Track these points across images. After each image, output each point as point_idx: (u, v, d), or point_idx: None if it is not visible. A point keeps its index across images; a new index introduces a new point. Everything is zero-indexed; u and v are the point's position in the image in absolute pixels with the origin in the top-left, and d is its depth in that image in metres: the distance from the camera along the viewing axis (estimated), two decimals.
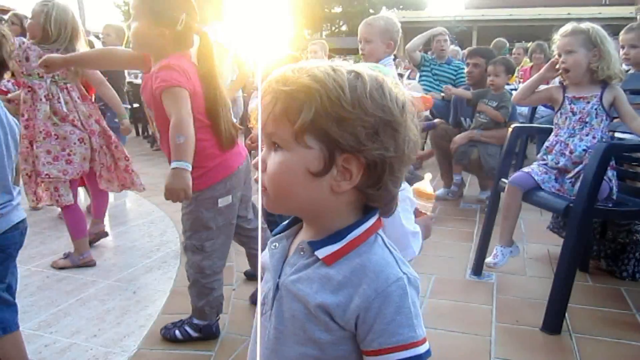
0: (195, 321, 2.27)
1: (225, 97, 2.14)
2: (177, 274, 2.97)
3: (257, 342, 0.85)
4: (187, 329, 2.26)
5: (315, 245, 0.82)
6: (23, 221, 1.81)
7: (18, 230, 1.77)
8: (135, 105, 8.21)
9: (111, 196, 4.87)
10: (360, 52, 2.86)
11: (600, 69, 2.51)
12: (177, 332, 2.27)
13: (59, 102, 3.01)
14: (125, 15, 29.08)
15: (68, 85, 3.07)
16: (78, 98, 3.11)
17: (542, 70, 2.80)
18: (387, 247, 0.83)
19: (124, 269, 3.10)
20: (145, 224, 3.98)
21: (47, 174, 2.98)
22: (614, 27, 2.80)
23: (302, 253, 0.84)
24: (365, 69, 0.81)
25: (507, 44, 7.26)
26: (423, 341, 0.81)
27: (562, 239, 3.01)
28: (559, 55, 2.59)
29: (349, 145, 0.77)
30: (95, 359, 2.15)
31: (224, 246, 2.27)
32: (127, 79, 8.98)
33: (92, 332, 2.35)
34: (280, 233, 0.92)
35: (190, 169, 1.93)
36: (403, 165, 0.82)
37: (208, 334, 2.27)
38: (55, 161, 3.00)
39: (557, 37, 2.60)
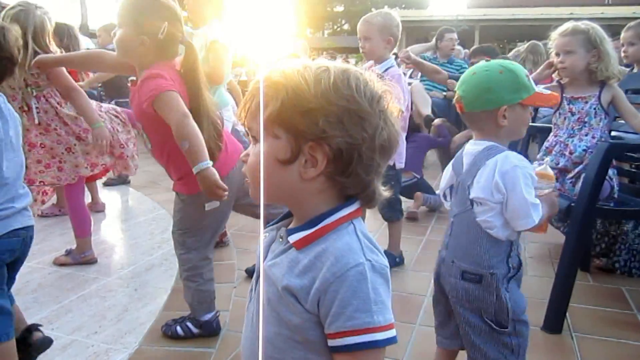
0: (198, 317, 2.27)
1: (209, 110, 2.09)
2: (178, 272, 2.97)
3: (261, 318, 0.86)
4: (189, 324, 2.27)
5: (290, 231, 0.89)
6: (26, 229, 1.69)
7: (18, 238, 1.66)
8: None
9: (113, 194, 4.89)
10: (360, 50, 2.85)
11: (599, 70, 2.50)
12: (178, 328, 2.27)
13: (38, 113, 2.86)
14: None
15: (44, 92, 2.88)
16: (58, 103, 2.93)
17: (537, 71, 2.80)
18: (357, 235, 0.86)
19: (125, 266, 3.10)
20: (147, 222, 3.98)
21: (41, 181, 2.93)
22: (616, 27, 2.80)
23: (280, 240, 0.91)
24: (339, 63, 0.88)
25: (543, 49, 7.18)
26: (384, 328, 0.81)
27: (562, 238, 3.01)
28: (557, 55, 2.58)
29: (313, 134, 0.82)
30: (96, 355, 2.15)
31: (209, 244, 2.30)
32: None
33: (93, 328, 2.36)
34: (273, 225, 0.98)
35: (209, 164, 1.93)
36: (375, 153, 0.86)
37: (209, 330, 2.27)
38: (47, 168, 2.92)
39: (556, 36, 2.58)
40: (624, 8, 18.04)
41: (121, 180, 5.22)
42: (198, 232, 2.24)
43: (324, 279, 0.82)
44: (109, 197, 4.82)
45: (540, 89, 2.76)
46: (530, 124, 2.92)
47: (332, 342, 0.83)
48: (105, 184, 5.17)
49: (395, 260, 3.09)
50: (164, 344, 2.23)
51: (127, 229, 3.82)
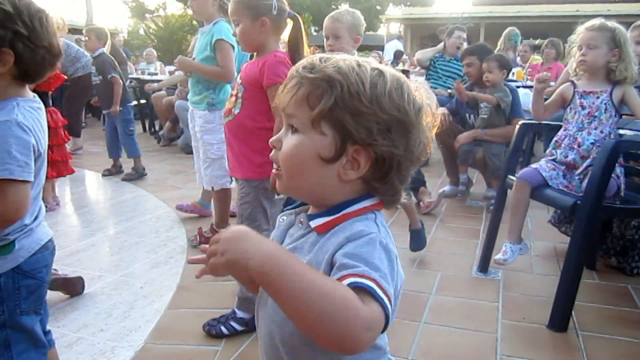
0: (240, 315, 2.26)
1: None
2: (183, 270, 2.98)
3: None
4: (233, 324, 2.26)
5: (311, 217, 0.88)
6: (51, 240, 1.54)
7: (48, 250, 1.52)
8: (142, 101, 8.26)
9: (118, 191, 4.91)
10: (327, 48, 2.83)
11: (618, 70, 2.54)
12: (222, 327, 2.26)
13: None
14: (132, 12, 29.11)
15: None
16: None
17: (535, 87, 2.80)
18: (376, 222, 0.84)
19: (130, 264, 3.11)
20: (152, 220, 3.99)
21: None
22: (623, 24, 2.79)
23: (300, 224, 0.90)
24: (390, 68, 0.86)
25: (519, 35, 7.17)
26: (382, 288, 0.74)
27: (568, 236, 3.00)
28: (579, 49, 2.59)
29: (361, 138, 0.81)
30: (102, 353, 2.16)
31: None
32: (134, 75, 9.05)
33: (99, 326, 2.37)
34: (290, 209, 0.97)
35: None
36: (411, 165, 0.87)
37: (254, 326, 2.27)
38: None
39: (582, 30, 2.60)
40: (630, 5, 17.92)
41: (138, 175, 5.30)
42: (267, 224, 2.22)
43: (336, 243, 0.80)
44: (114, 195, 4.84)
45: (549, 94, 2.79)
46: (536, 121, 2.93)
47: None
48: (123, 179, 5.24)
49: (423, 231, 3.14)
50: (170, 342, 2.24)
51: (133, 227, 3.83)
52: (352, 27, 2.77)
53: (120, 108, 5.27)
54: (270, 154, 0.90)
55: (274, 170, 0.90)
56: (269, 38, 2.21)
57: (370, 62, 0.85)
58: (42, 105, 1.46)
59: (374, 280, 0.74)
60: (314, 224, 0.87)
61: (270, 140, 0.90)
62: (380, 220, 0.86)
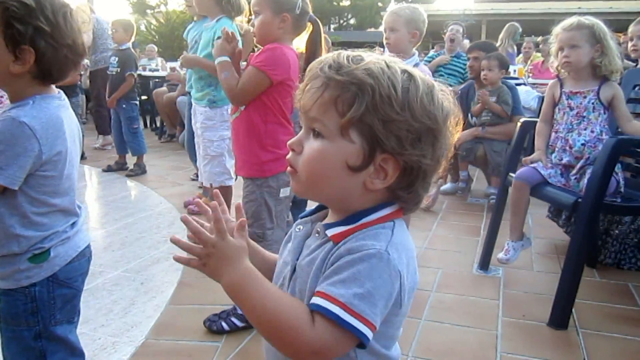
0: (241, 311, 2.27)
1: None
2: (184, 266, 2.98)
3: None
4: (234, 319, 2.26)
5: (328, 226, 0.84)
6: (89, 246, 1.46)
7: (85, 258, 1.45)
8: (144, 97, 8.25)
9: (119, 187, 4.91)
10: (385, 41, 2.85)
11: (603, 65, 2.50)
12: (223, 323, 2.26)
13: None
14: (133, 8, 29.05)
15: None
16: None
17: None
18: (392, 232, 0.82)
19: (131, 260, 3.11)
20: (153, 216, 3.99)
21: None
22: (624, 21, 2.78)
23: (317, 235, 0.86)
24: (417, 70, 0.81)
25: (520, 29, 7.17)
26: (355, 314, 0.74)
27: (569, 234, 3.00)
28: (560, 50, 2.57)
29: (391, 147, 0.78)
30: (103, 348, 2.16)
31: (280, 240, 2.29)
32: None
33: (100, 322, 2.37)
34: (306, 217, 0.93)
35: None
36: (435, 172, 0.83)
37: None
38: None
39: (559, 30, 2.56)
40: (631, 2, 17.87)
41: (142, 171, 5.34)
42: (274, 223, 2.23)
43: (338, 253, 0.79)
44: (114, 191, 4.84)
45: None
46: (538, 118, 2.92)
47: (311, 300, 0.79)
48: (127, 175, 5.27)
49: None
50: (171, 338, 2.24)
51: (134, 223, 3.83)
52: (410, 20, 2.76)
53: (124, 105, 5.27)
54: (288, 156, 0.85)
55: (289, 169, 0.85)
56: (285, 35, 2.20)
57: (397, 62, 0.80)
58: (65, 103, 1.36)
59: (343, 306, 0.74)
60: (330, 232, 0.83)
61: (289, 142, 0.85)
62: (398, 229, 0.83)
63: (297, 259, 0.87)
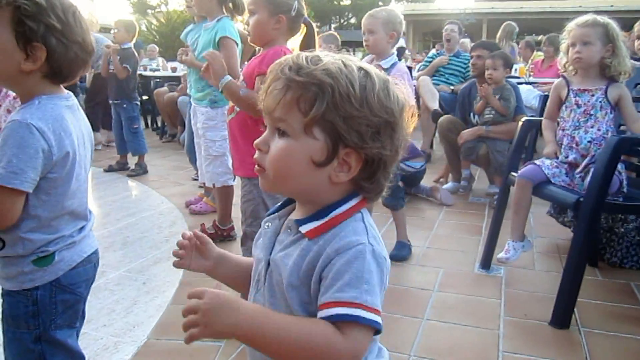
0: None
1: None
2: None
3: None
4: None
5: (300, 222, 0.88)
6: (96, 252, 1.45)
7: (91, 264, 1.43)
8: (145, 97, 8.26)
9: (121, 187, 4.92)
10: (364, 43, 2.92)
11: (613, 66, 2.51)
12: None
13: None
14: (134, 8, 29.08)
15: None
16: None
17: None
18: (364, 222, 0.88)
19: (133, 259, 3.12)
20: (155, 216, 4.00)
21: None
22: (625, 19, 2.78)
23: (289, 231, 0.90)
24: (372, 67, 0.86)
25: (517, 29, 7.20)
26: (369, 309, 0.81)
27: (571, 233, 3.00)
28: (573, 45, 2.57)
29: (353, 142, 0.82)
30: (105, 348, 2.17)
31: None
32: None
33: (102, 322, 2.37)
34: (273, 214, 0.97)
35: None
36: (395, 162, 0.89)
37: None
38: None
39: (573, 26, 2.56)
40: (633, 0, 17.86)
41: (143, 171, 5.34)
42: None
43: (326, 255, 0.83)
44: (116, 191, 4.84)
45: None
46: (540, 117, 2.92)
47: (320, 314, 0.82)
48: (129, 175, 5.27)
49: (410, 247, 3.13)
50: (173, 337, 2.25)
51: (135, 223, 3.83)
52: (387, 22, 2.82)
53: (125, 105, 5.28)
54: (255, 156, 0.88)
55: (257, 167, 0.89)
56: (280, 36, 2.21)
57: (354, 60, 0.85)
58: (73, 104, 1.35)
59: (360, 305, 0.80)
60: (304, 229, 0.87)
61: (256, 142, 0.88)
62: (367, 219, 0.89)
63: (270, 254, 0.92)
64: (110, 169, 5.47)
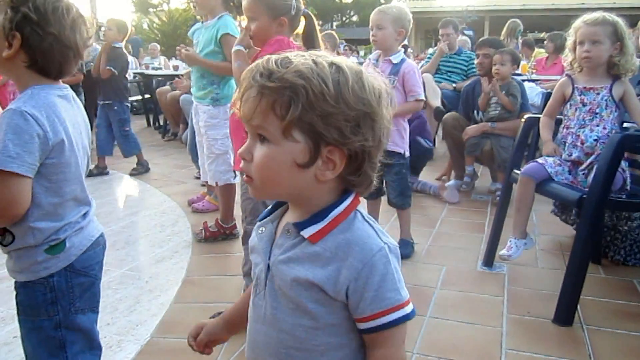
0: None
1: None
2: (188, 264, 2.99)
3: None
4: None
5: (300, 225, 0.88)
6: (102, 235, 1.51)
7: (100, 247, 1.48)
8: (147, 95, 8.27)
9: (123, 186, 4.92)
10: (371, 38, 2.92)
11: (621, 64, 2.50)
12: None
13: None
14: (136, 6, 29.08)
15: None
16: None
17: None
18: (367, 221, 0.90)
19: (136, 258, 3.12)
20: (157, 214, 4.00)
21: None
22: (628, 17, 2.77)
23: (288, 234, 0.90)
24: (343, 59, 0.86)
25: (521, 26, 7.19)
26: (408, 302, 0.88)
27: (574, 231, 3.00)
28: (581, 43, 2.55)
29: (333, 139, 0.82)
30: (108, 347, 2.17)
31: None
32: (139, 70, 9.06)
33: (105, 320, 2.37)
34: (265, 218, 0.97)
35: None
36: (379, 151, 0.88)
37: None
38: None
39: (581, 24, 2.54)
40: None
41: (145, 169, 5.30)
42: None
43: (353, 267, 0.84)
44: (118, 189, 4.85)
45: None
46: (540, 115, 2.91)
47: (366, 325, 0.86)
48: (131, 174, 5.22)
49: (413, 245, 3.13)
50: (176, 336, 2.25)
51: (138, 222, 3.84)
52: (397, 19, 2.83)
53: (116, 107, 5.18)
54: (241, 165, 0.89)
55: (244, 177, 0.89)
56: (284, 35, 2.20)
57: (325, 56, 0.84)
58: (67, 94, 1.38)
59: (402, 305, 0.87)
60: (306, 233, 0.87)
61: (239, 152, 0.88)
62: (366, 217, 0.91)
63: (269, 258, 0.92)
64: (89, 174, 5.25)
